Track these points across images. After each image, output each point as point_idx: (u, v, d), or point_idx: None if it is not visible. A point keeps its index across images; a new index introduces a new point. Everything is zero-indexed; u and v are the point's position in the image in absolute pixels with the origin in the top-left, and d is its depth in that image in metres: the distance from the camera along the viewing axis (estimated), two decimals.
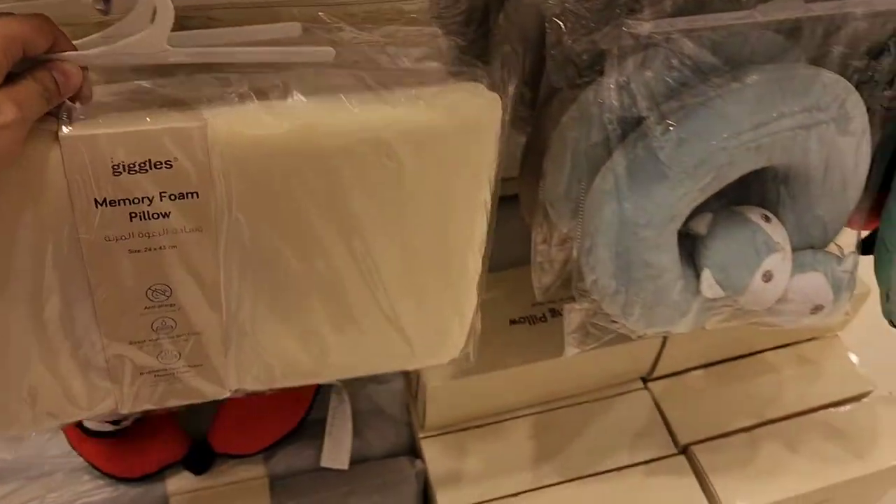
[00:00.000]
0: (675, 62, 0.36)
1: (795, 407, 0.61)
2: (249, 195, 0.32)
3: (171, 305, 0.34)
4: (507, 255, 0.58)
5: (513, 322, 0.57)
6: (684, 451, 0.58)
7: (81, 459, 0.54)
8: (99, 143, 0.30)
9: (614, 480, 0.56)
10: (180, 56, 0.30)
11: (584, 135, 0.37)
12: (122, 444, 0.52)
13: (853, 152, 0.38)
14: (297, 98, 0.32)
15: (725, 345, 0.63)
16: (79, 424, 0.51)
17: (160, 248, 0.32)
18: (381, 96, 0.33)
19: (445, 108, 0.33)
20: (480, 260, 0.38)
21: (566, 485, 0.55)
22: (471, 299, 0.39)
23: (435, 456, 0.56)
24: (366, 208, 0.34)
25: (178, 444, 0.53)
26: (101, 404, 0.36)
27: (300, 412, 0.55)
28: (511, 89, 0.34)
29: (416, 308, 0.38)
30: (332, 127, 0.32)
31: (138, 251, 0.32)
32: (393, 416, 0.58)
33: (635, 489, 0.55)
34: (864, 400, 0.62)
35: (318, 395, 0.56)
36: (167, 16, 0.29)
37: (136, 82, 0.30)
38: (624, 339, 0.57)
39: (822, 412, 0.61)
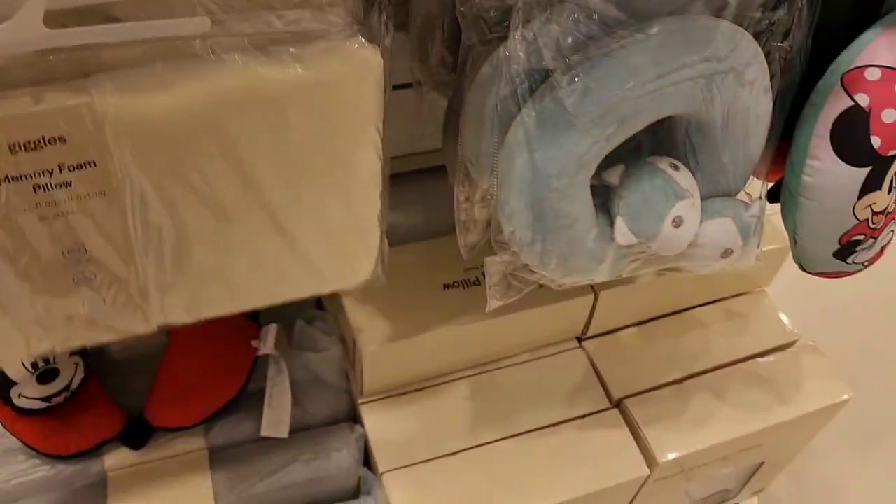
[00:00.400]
0: (580, 16, 0.37)
1: (723, 359, 0.63)
2: (146, 159, 0.33)
3: (88, 261, 0.34)
4: (439, 223, 0.59)
5: (446, 287, 0.58)
6: (618, 405, 0.60)
7: (15, 440, 0.53)
8: None
9: (550, 436, 0.57)
10: (59, 39, 0.29)
11: (495, 91, 0.38)
12: (55, 422, 0.52)
13: (754, 101, 0.39)
14: (181, 64, 0.32)
15: (656, 303, 0.65)
16: (9, 403, 0.50)
17: (68, 213, 0.33)
18: (262, 56, 0.33)
19: (325, 62, 0.33)
20: (378, 195, 0.39)
21: (504, 442, 0.57)
22: (373, 229, 0.41)
23: (374, 420, 0.57)
24: (259, 160, 0.35)
25: (113, 420, 0.53)
26: (37, 348, 0.37)
27: (238, 383, 0.56)
28: (388, 39, 0.34)
29: (322, 242, 0.40)
30: (216, 89, 0.32)
31: (47, 218, 0.32)
32: (331, 383, 0.59)
33: (571, 443, 0.57)
34: (789, 349, 0.65)
35: (255, 366, 0.57)
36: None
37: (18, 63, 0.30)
38: (554, 298, 0.59)
39: (748, 362, 0.63)
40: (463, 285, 0.58)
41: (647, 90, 0.36)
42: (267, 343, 0.56)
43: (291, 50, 0.32)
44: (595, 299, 0.60)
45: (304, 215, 0.38)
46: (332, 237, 0.40)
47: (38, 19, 0.28)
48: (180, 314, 0.39)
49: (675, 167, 0.40)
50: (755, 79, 0.39)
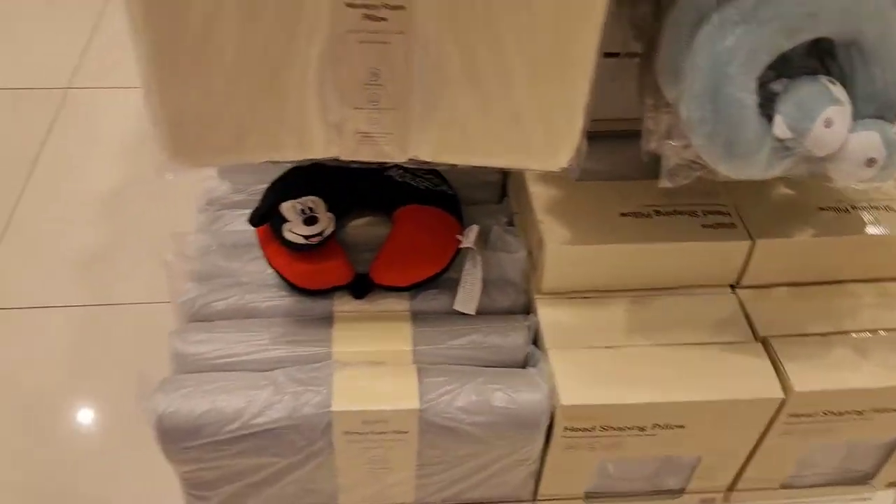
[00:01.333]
0: None
1: (871, 325, 0.69)
2: (433, 11, 0.47)
3: (379, 85, 0.49)
4: (623, 172, 0.71)
5: (623, 214, 0.69)
6: (762, 341, 0.67)
7: (272, 279, 0.69)
8: None
9: (695, 350, 0.65)
10: None
11: (691, 10, 0.50)
12: (306, 262, 0.67)
13: None
14: None
15: (812, 267, 0.71)
16: (279, 238, 0.67)
17: (378, 42, 0.48)
18: None
19: None
20: (588, 86, 0.51)
21: (652, 347, 0.66)
22: (578, 117, 0.53)
23: (546, 310, 0.68)
24: (511, 29, 0.48)
25: (346, 272, 0.68)
26: (329, 149, 0.53)
27: (442, 263, 0.69)
28: None
29: (539, 117, 0.52)
30: None
31: (365, 42, 0.48)
32: (515, 281, 0.71)
33: (713, 360, 0.65)
34: None
35: (456, 256, 0.70)
36: None
37: None
38: (714, 237, 0.68)
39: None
40: (636, 216, 0.69)
41: (810, 9, 0.47)
42: (469, 238, 0.69)
43: None
44: (752, 246, 0.68)
45: (533, 87, 0.51)
46: (547, 114, 0.53)
47: None
48: (426, 152, 0.53)
49: (832, 82, 0.49)
50: None
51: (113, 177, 1.36)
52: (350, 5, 0.46)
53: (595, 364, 0.64)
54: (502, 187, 0.82)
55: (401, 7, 0.47)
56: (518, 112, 0.52)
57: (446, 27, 0.48)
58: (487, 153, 0.55)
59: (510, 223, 0.77)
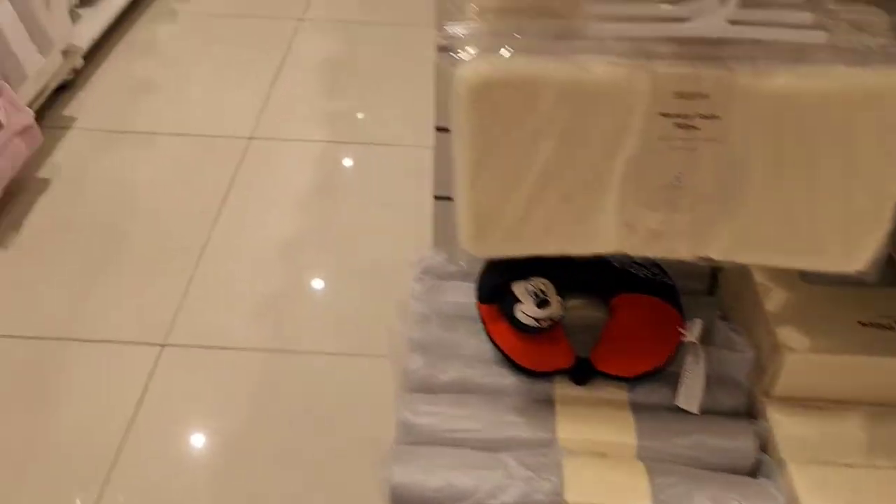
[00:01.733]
0: None
1: None
2: (751, 122, 0.47)
3: (679, 188, 0.49)
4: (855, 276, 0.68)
5: (861, 324, 0.66)
6: None
7: (491, 354, 0.70)
8: (663, 81, 0.47)
9: None
10: (730, 32, 0.46)
11: None
12: (531, 340, 0.68)
13: None
14: (794, 63, 0.47)
15: None
16: (509, 317, 0.67)
17: (688, 148, 0.48)
18: (854, 72, 0.46)
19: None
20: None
21: (894, 470, 0.62)
22: (885, 225, 0.51)
23: (779, 418, 0.65)
24: (824, 143, 0.48)
25: (568, 356, 0.68)
26: (619, 246, 0.53)
27: (664, 355, 0.68)
28: None
29: (842, 222, 0.51)
30: (818, 85, 0.46)
31: (675, 149, 0.48)
32: (739, 382, 0.69)
33: None
34: None
35: (678, 349, 0.69)
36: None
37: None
38: None
39: None
40: (876, 326, 0.66)
41: None
42: (693, 332, 0.68)
43: (874, 69, 0.46)
44: None
45: (840, 196, 0.50)
46: (851, 222, 0.52)
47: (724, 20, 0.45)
48: (716, 251, 0.53)
49: None
50: None
51: (289, 225, 1.43)
52: (664, 115, 0.47)
53: (837, 483, 0.61)
54: (712, 277, 0.80)
55: (716, 117, 0.47)
56: (820, 217, 0.51)
57: (759, 137, 0.48)
58: (778, 254, 0.54)
59: (723, 317, 0.75)
